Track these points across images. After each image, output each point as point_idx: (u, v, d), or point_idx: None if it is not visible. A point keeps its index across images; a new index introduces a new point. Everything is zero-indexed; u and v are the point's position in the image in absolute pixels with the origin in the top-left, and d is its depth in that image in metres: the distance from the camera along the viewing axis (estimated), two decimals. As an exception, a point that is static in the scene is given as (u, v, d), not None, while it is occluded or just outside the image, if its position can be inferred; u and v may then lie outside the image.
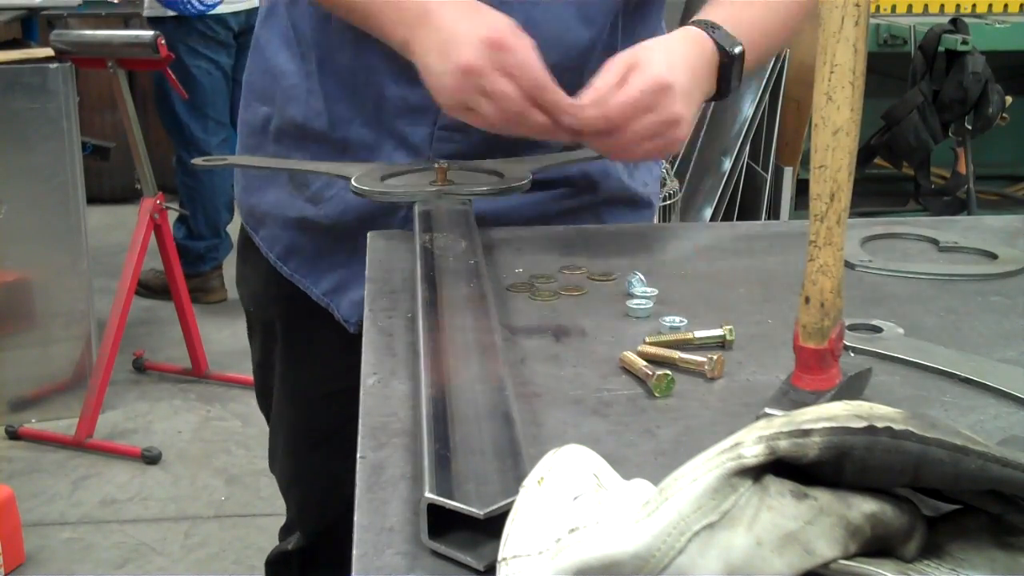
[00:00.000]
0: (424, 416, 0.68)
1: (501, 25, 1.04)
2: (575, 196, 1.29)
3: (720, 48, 1.11)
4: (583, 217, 1.29)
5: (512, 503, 0.56)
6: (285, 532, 1.58)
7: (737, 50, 1.11)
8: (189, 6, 3.87)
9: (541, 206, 1.26)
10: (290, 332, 1.40)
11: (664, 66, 1.05)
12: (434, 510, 0.58)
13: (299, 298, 1.34)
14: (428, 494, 0.58)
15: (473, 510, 0.56)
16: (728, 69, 1.11)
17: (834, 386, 0.71)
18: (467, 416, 0.68)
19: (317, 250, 1.31)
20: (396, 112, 1.22)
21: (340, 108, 1.25)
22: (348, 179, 1.17)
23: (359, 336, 1.31)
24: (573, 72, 1.14)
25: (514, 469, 0.61)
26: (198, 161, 1.27)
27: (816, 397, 0.70)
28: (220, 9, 3.93)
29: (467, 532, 0.58)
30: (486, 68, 1.01)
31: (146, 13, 4.03)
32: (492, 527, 0.57)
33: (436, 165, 1.16)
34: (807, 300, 0.69)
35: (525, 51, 1.03)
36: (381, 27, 1.12)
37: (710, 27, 1.12)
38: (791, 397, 0.70)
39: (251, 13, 3.91)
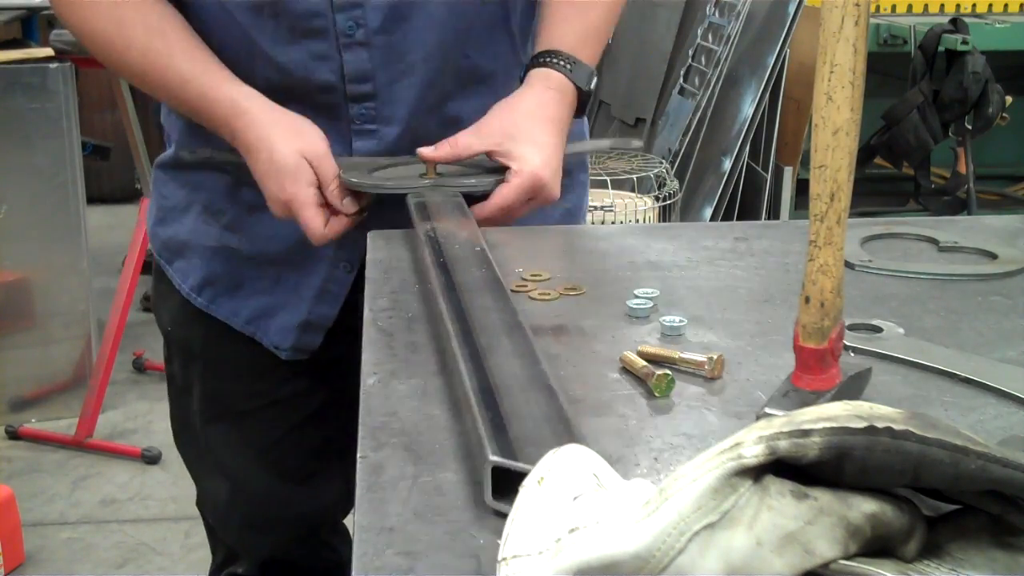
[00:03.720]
0: (469, 389, 0.68)
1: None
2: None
3: (579, 89, 1.19)
4: None
5: None
6: (223, 567, 1.50)
7: (592, 85, 1.19)
8: None
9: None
10: (209, 349, 1.36)
11: (538, 161, 1.13)
12: (498, 472, 0.59)
13: (219, 321, 1.33)
14: (492, 456, 0.59)
15: None
16: (585, 104, 1.20)
17: (834, 386, 0.71)
18: (511, 388, 0.69)
19: (237, 279, 1.30)
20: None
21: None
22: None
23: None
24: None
25: (567, 434, 0.62)
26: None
27: (816, 397, 0.70)
28: None
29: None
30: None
31: None
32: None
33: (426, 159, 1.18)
34: (807, 300, 0.69)
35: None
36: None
37: (568, 66, 1.18)
38: (791, 397, 0.70)
39: None
